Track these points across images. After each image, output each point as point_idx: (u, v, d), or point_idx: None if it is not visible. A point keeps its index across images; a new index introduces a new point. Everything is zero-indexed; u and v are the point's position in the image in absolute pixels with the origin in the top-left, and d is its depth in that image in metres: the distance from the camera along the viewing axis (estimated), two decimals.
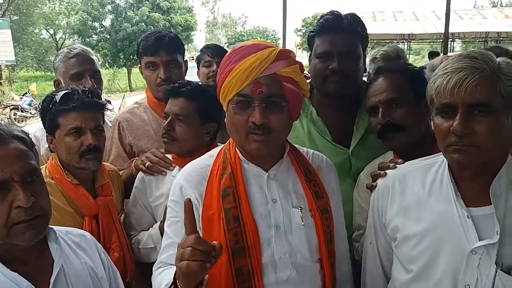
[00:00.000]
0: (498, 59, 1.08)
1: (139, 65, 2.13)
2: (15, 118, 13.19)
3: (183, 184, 1.29)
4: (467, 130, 1.04)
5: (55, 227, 1.17)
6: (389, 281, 1.33)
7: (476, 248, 1.06)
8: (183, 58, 2.14)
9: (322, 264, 1.26)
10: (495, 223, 1.06)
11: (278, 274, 1.21)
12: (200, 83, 1.86)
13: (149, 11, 24.39)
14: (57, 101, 1.59)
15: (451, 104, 1.06)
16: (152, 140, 2.03)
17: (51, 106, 1.61)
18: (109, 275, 1.26)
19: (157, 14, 24.56)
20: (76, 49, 2.16)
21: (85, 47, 2.24)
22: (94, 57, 2.22)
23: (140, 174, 1.82)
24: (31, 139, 1.12)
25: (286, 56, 1.20)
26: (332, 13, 1.80)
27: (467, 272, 1.07)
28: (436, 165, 1.22)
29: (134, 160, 1.93)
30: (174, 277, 1.06)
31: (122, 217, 1.83)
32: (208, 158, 1.35)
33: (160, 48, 2.00)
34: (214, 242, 1.03)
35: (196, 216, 1.23)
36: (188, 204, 1.05)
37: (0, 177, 0.99)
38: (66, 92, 1.61)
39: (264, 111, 1.18)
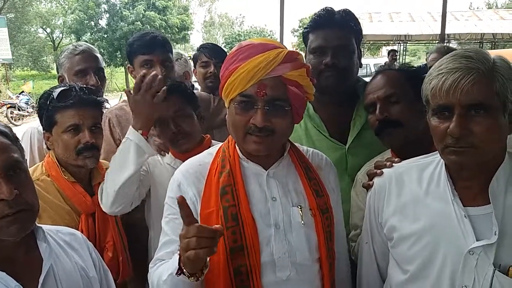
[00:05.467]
0: (493, 57, 1.07)
1: (128, 65, 2.14)
2: (12, 117, 13.15)
3: (181, 181, 1.28)
4: (464, 131, 1.03)
5: (44, 226, 1.15)
6: (385, 281, 1.32)
7: (474, 249, 1.06)
8: (172, 57, 2.17)
9: (321, 264, 1.25)
10: (493, 223, 1.05)
11: (278, 274, 1.20)
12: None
13: (144, 10, 24.35)
14: (55, 97, 1.58)
15: (447, 105, 1.05)
16: None
17: (48, 102, 1.60)
18: (100, 274, 1.25)
19: (152, 13, 24.53)
20: (82, 46, 2.19)
21: (90, 45, 2.27)
22: (98, 55, 2.24)
23: None
24: (15, 134, 1.10)
25: (293, 58, 1.18)
26: (325, 9, 1.82)
27: (464, 273, 1.07)
28: (433, 164, 1.21)
29: None
30: (179, 264, 1.07)
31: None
32: (206, 156, 1.34)
33: (156, 47, 2.02)
34: (215, 225, 1.05)
35: (194, 214, 1.23)
36: (182, 201, 1.04)
37: None
38: (64, 89, 1.61)
39: (267, 114, 1.17)
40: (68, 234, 1.24)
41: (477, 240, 1.06)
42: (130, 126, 1.63)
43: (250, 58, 1.16)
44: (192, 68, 2.92)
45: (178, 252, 1.07)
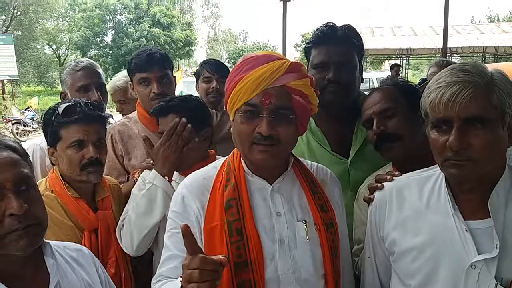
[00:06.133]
0: (491, 71, 1.08)
1: (129, 82, 2.17)
2: (17, 133, 13.25)
3: (185, 194, 1.28)
4: (463, 144, 1.03)
5: (51, 242, 1.16)
6: None
7: (476, 262, 1.05)
8: (173, 74, 2.20)
9: (326, 280, 1.23)
10: (494, 237, 1.05)
11: None
12: (180, 95, 1.89)
13: (149, 27, 24.72)
14: (60, 113, 1.60)
15: (446, 118, 1.05)
16: (141, 153, 2.05)
17: (53, 118, 1.62)
18: None
19: (157, 29, 24.88)
20: (83, 62, 2.21)
21: (92, 61, 2.29)
22: (100, 71, 2.27)
23: (146, 171, 1.81)
24: (24, 149, 1.11)
25: (297, 69, 1.20)
26: (327, 24, 1.84)
27: (466, 287, 1.06)
28: (433, 178, 1.22)
29: (138, 171, 1.94)
30: None
31: None
32: (211, 169, 1.34)
33: (152, 65, 2.05)
34: (219, 256, 1.02)
35: (197, 228, 1.23)
36: (186, 229, 1.02)
37: None
38: (69, 105, 1.62)
39: (272, 123, 1.17)
40: (75, 250, 1.24)
41: (478, 254, 1.06)
42: (154, 171, 1.66)
43: (254, 68, 1.17)
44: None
45: (180, 279, 1.04)
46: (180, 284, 1.05)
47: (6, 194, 1.00)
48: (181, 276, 1.04)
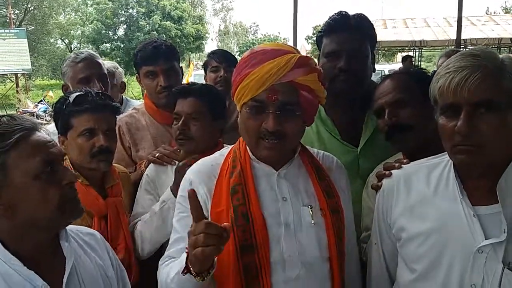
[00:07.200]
0: (501, 56, 1.07)
1: (136, 74, 2.16)
2: None
3: (192, 179, 1.31)
4: (472, 129, 1.02)
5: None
6: (393, 283, 1.31)
7: (483, 247, 1.05)
8: (179, 65, 2.18)
9: (331, 263, 1.25)
10: (502, 221, 1.04)
11: (287, 273, 1.21)
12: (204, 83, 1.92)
13: (160, 20, 24.80)
14: (71, 102, 1.62)
15: (455, 103, 1.04)
16: (149, 144, 2.06)
17: (64, 107, 1.64)
18: (117, 274, 1.28)
19: (168, 22, 24.96)
20: (83, 53, 2.20)
21: (92, 52, 2.28)
22: (101, 61, 2.25)
23: (151, 165, 1.87)
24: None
25: (305, 63, 1.20)
26: (339, 13, 1.83)
27: (473, 272, 1.06)
28: (442, 164, 1.21)
29: (144, 162, 1.95)
30: (186, 263, 1.08)
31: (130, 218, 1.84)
32: (218, 157, 1.37)
33: (158, 57, 2.03)
34: (224, 223, 1.06)
35: (204, 212, 1.26)
36: (192, 194, 1.07)
37: (51, 156, 1.06)
38: (80, 94, 1.64)
39: (278, 119, 1.18)
40: (88, 234, 1.28)
41: (486, 239, 1.05)
42: (169, 190, 1.70)
43: (261, 64, 1.18)
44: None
45: (186, 250, 1.08)
46: (185, 258, 1.08)
47: (59, 166, 1.08)
48: (186, 248, 1.08)
